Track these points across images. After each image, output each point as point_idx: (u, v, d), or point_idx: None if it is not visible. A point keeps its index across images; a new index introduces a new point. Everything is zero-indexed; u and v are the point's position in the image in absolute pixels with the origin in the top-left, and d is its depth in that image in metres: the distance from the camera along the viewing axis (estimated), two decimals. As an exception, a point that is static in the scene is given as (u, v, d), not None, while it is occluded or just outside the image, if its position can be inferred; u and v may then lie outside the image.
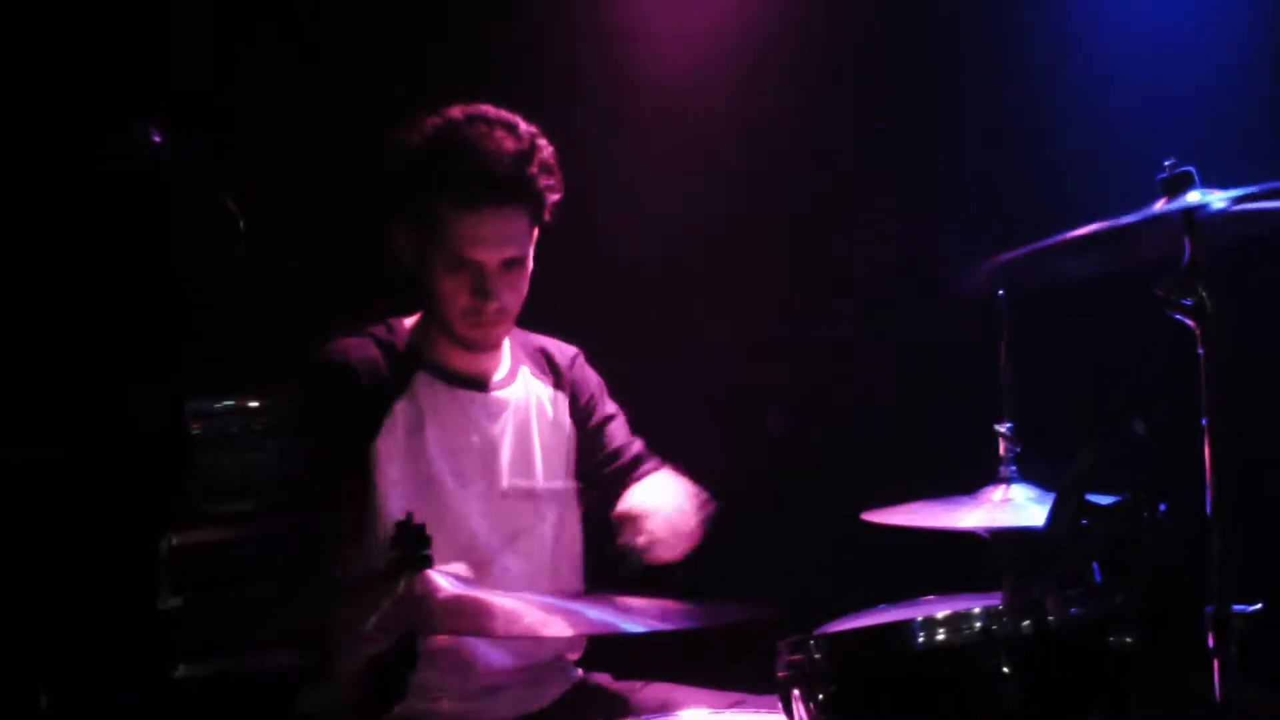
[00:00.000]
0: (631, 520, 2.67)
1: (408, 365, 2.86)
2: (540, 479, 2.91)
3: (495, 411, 2.89)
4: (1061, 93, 3.82)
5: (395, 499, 2.76)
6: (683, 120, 3.87)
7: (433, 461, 2.81)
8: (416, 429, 2.82)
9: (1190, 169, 2.53)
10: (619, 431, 2.99)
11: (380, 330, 2.92)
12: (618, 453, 2.97)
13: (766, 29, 3.89)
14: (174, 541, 3.13)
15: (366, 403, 2.80)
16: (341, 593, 2.41)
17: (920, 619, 2.28)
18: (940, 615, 2.28)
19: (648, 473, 2.96)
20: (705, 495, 2.84)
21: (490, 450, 2.87)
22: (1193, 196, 2.51)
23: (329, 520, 2.64)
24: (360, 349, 2.87)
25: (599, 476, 2.95)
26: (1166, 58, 3.75)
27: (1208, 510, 2.40)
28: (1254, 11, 3.74)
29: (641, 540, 2.64)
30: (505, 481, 2.87)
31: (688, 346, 3.81)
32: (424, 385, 2.86)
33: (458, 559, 2.41)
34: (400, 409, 2.82)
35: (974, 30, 3.85)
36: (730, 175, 3.87)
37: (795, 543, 3.76)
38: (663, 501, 2.74)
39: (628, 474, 2.95)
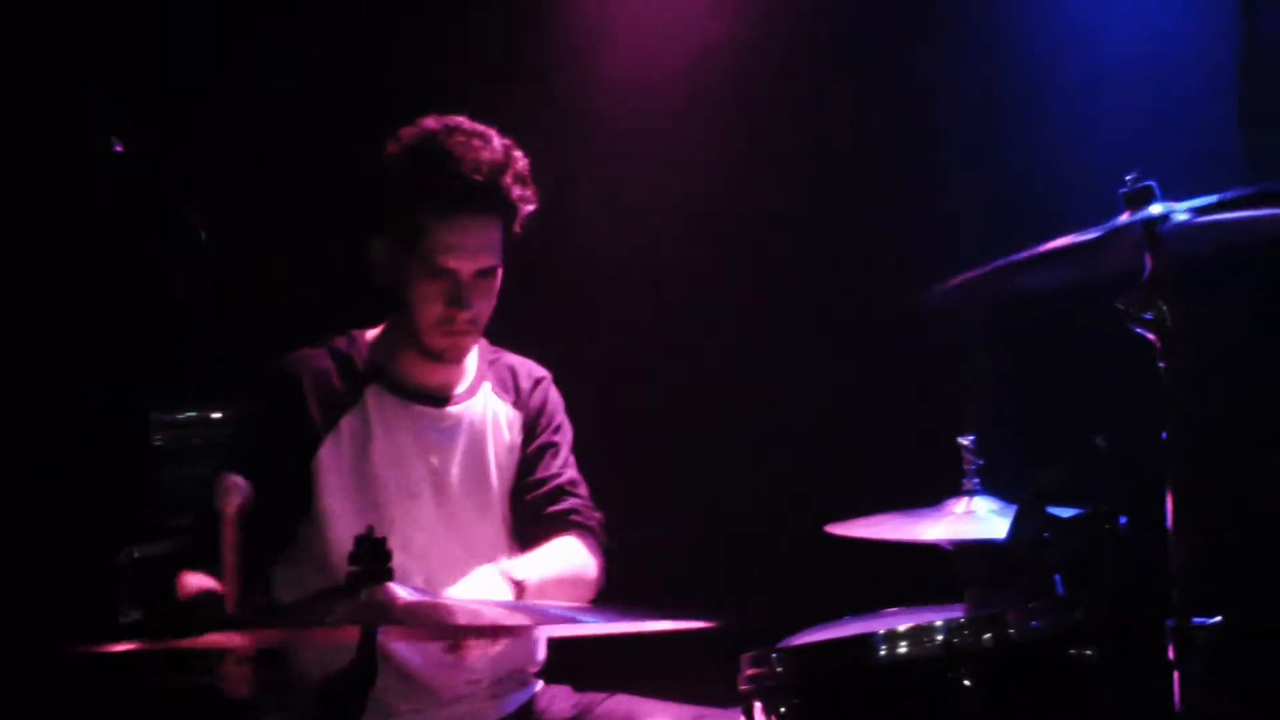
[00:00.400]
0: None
1: (362, 378, 2.85)
2: (493, 495, 2.90)
3: (449, 427, 2.88)
4: (1025, 107, 3.84)
5: (338, 513, 2.76)
6: (652, 128, 3.88)
7: (378, 476, 2.81)
8: (363, 443, 2.81)
9: (1152, 182, 2.54)
10: (552, 461, 2.95)
11: (340, 342, 2.91)
12: (541, 482, 2.93)
13: (738, 36, 3.90)
14: (135, 554, 3.11)
15: (310, 415, 2.79)
16: (300, 608, 2.39)
17: (882, 632, 2.29)
18: (902, 628, 2.29)
19: (568, 518, 2.90)
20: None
21: (441, 466, 2.86)
22: (1154, 209, 2.51)
23: (263, 532, 2.63)
24: (312, 361, 2.86)
25: (519, 501, 2.93)
26: (1126, 71, 3.77)
27: (1168, 523, 2.40)
28: (1213, 25, 3.76)
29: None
30: (456, 497, 2.86)
31: (653, 355, 3.81)
32: (375, 399, 2.85)
33: (407, 574, 2.38)
34: (347, 423, 2.81)
35: (939, 44, 3.87)
36: (698, 184, 3.87)
37: (760, 554, 3.75)
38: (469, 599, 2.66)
39: (542, 507, 2.91)
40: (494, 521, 2.91)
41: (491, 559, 2.79)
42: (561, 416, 3.03)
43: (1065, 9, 3.84)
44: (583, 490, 2.97)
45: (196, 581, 2.60)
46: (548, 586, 2.74)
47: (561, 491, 2.93)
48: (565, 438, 3.01)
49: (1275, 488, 3.49)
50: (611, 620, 2.31)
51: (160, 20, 3.66)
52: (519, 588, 2.69)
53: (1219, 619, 2.36)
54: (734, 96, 3.87)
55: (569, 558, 2.85)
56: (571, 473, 2.97)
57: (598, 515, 2.96)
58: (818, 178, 3.86)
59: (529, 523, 2.90)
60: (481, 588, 2.67)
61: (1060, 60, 3.81)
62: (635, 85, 3.89)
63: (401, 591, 2.17)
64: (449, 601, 2.36)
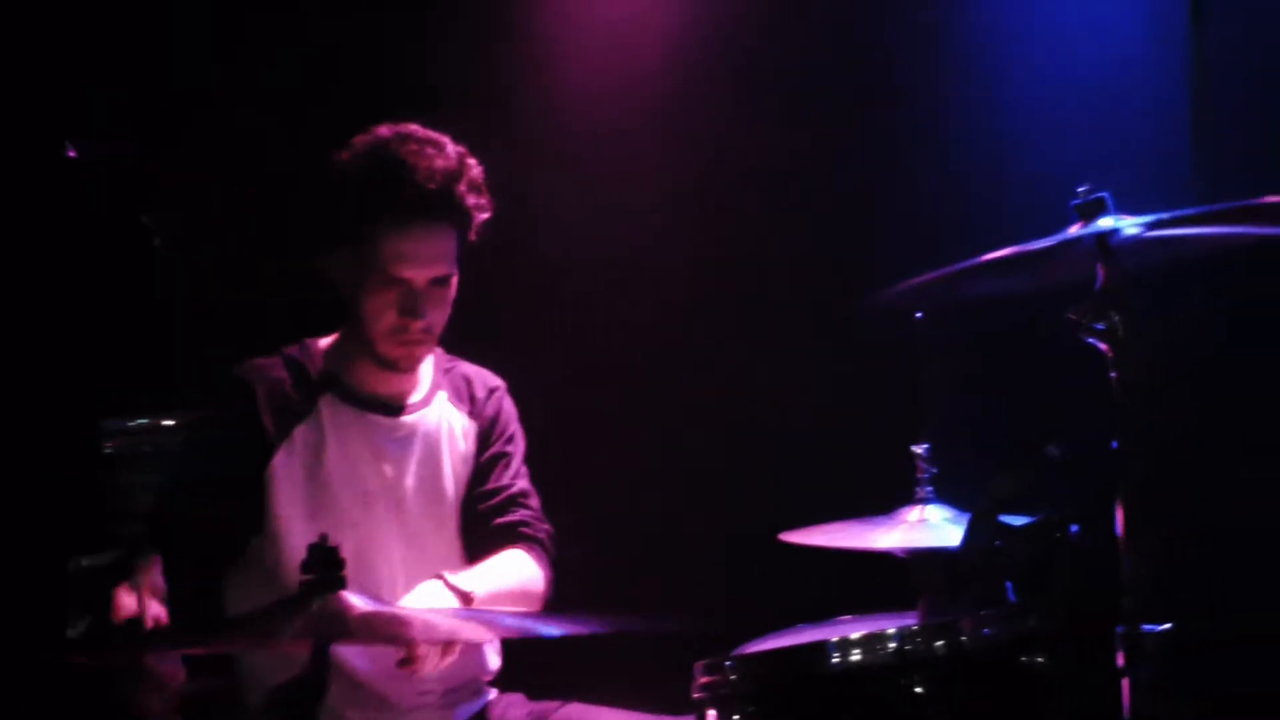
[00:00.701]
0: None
1: (316, 388, 2.84)
2: (448, 505, 2.89)
3: (403, 437, 2.87)
4: (981, 115, 3.86)
5: (291, 523, 2.75)
6: (612, 133, 3.88)
7: (332, 486, 2.79)
8: (317, 453, 2.80)
9: (1104, 194, 2.57)
10: (504, 472, 2.94)
11: (294, 350, 2.89)
12: (493, 493, 2.92)
13: (698, 41, 3.91)
14: (84, 563, 3.08)
15: (264, 425, 2.78)
16: (253, 618, 2.38)
17: (835, 639, 2.29)
18: (855, 636, 2.29)
19: (518, 531, 2.89)
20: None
21: (395, 476, 2.85)
22: (1106, 222, 2.54)
23: (214, 541, 2.61)
24: (266, 370, 2.84)
25: (472, 510, 2.92)
26: (1081, 83, 3.80)
27: (1119, 532, 2.42)
28: (1164, 37, 3.80)
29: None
30: (410, 507, 2.85)
31: (607, 363, 3.81)
32: (329, 408, 2.83)
33: (362, 584, 2.37)
34: (300, 433, 2.80)
35: (900, 52, 3.88)
36: (657, 190, 3.87)
37: (714, 562, 3.76)
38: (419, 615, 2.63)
39: (492, 518, 2.90)
40: (448, 532, 2.90)
41: (445, 569, 2.77)
42: (515, 427, 3.02)
43: (1021, 19, 3.86)
44: (534, 502, 2.97)
45: (128, 601, 2.56)
46: (495, 599, 2.73)
47: (512, 502, 2.93)
48: (518, 448, 3.00)
49: (1225, 496, 3.53)
50: (568, 628, 2.31)
51: (120, 25, 3.64)
52: (466, 599, 2.68)
53: (1168, 626, 2.38)
54: (694, 101, 3.88)
55: (517, 570, 2.85)
56: (523, 484, 2.97)
57: (547, 528, 2.95)
58: (776, 183, 3.87)
59: (478, 533, 2.89)
60: (428, 600, 2.66)
61: (1017, 69, 3.84)
62: (596, 89, 3.90)
63: (355, 600, 2.16)
64: (403, 612, 2.35)
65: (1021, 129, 3.81)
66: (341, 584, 2.16)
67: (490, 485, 2.93)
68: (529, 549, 2.89)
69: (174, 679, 2.50)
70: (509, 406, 3.03)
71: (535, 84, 3.86)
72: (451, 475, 2.91)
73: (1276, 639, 3.47)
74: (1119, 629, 2.36)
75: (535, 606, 2.84)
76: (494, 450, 2.96)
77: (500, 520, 2.90)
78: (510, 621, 2.44)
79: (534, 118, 3.83)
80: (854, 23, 3.88)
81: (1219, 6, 3.73)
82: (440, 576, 2.70)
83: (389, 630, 2.21)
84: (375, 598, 2.23)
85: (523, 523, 2.91)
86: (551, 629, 2.27)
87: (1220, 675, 3.32)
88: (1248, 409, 3.57)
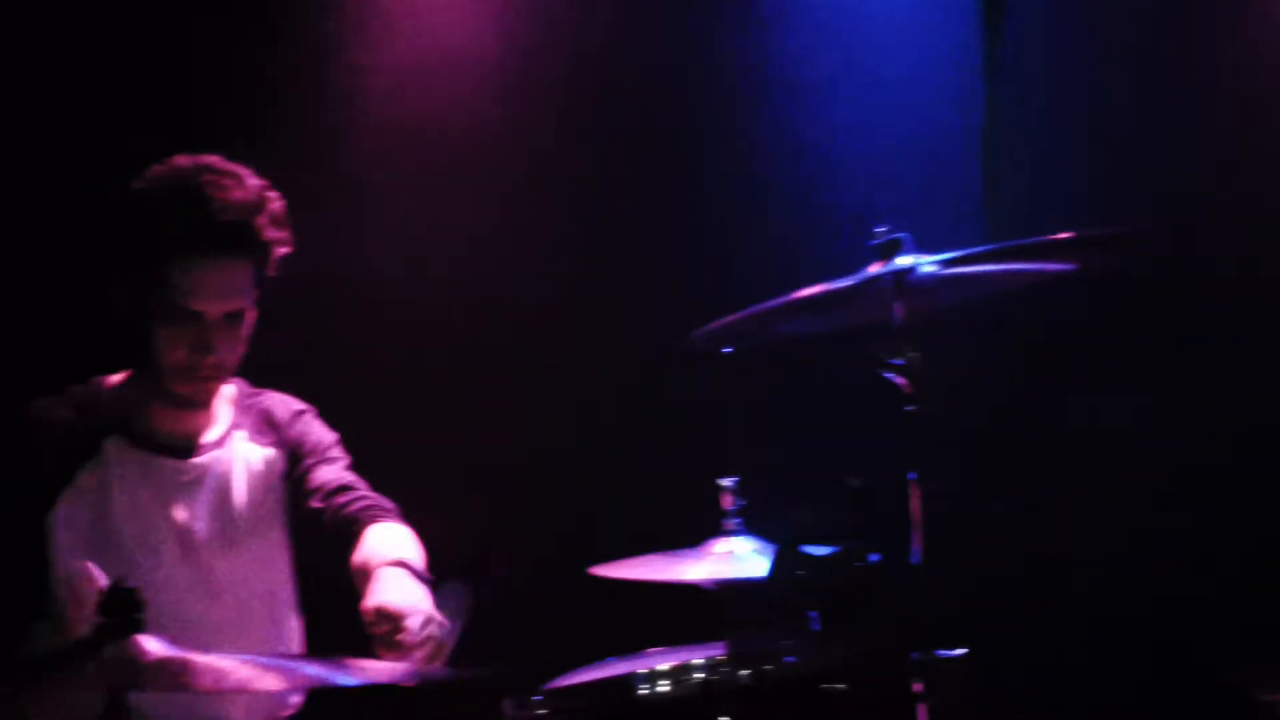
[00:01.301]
0: (389, 618, 2.51)
1: (102, 429, 2.75)
2: (250, 546, 2.81)
3: (193, 480, 2.78)
4: (786, 157, 3.95)
5: (77, 570, 2.65)
6: (409, 182, 3.86)
7: (119, 532, 2.71)
8: (102, 496, 2.72)
9: (901, 235, 2.66)
10: (328, 470, 2.85)
11: (80, 391, 2.80)
12: (320, 488, 2.82)
13: (498, 78, 3.91)
14: None
15: (45, 470, 2.70)
16: (44, 662, 2.30)
17: (642, 671, 2.32)
18: (662, 667, 2.32)
19: (367, 509, 2.81)
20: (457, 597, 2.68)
21: (187, 520, 2.77)
22: (903, 261, 2.63)
23: (10, 588, 2.53)
24: (49, 411, 2.75)
25: (310, 514, 2.82)
26: (883, 127, 3.92)
27: (915, 559, 2.50)
28: (962, 86, 3.96)
29: (402, 639, 2.54)
30: (204, 551, 2.78)
31: (413, 396, 3.78)
32: (115, 451, 2.75)
33: (156, 625, 2.31)
34: (85, 477, 2.72)
35: (700, 86, 3.95)
36: (460, 220, 3.85)
37: (524, 596, 3.76)
38: (417, 603, 2.55)
39: (337, 508, 2.80)
40: (256, 572, 2.82)
41: (256, 611, 2.74)
42: (330, 443, 2.92)
43: (825, 65, 3.96)
44: (367, 488, 2.86)
45: None
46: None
47: (348, 489, 2.83)
48: (339, 456, 2.91)
49: (1017, 525, 3.66)
50: (373, 677, 2.26)
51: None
52: (421, 577, 2.61)
53: (964, 652, 2.47)
54: (496, 145, 3.88)
55: (408, 537, 2.76)
56: (350, 476, 2.87)
57: (393, 505, 2.85)
58: (581, 219, 3.89)
59: (327, 528, 2.79)
60: (402, 592, 2.55)
61: (824, 114, 3.94)
62: (399, 117, 3.87)
63: (151, 645, 2.10)
64: (197, 660, 2.27)
65: (825, 171, 3.92)
66: (137, 627, 2.10)
67: (313, 485, 2.83)
68: (389, 519, 2.80)
69: None
70: (319, 426, 2.93)
71: (340, 118, 3.83)
72: (244, 509, 2.82)
73: (1069, 664, 3.61)
74: (915, 655, 2.44)
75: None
76: (311, 460, 2.86)
77: (348, 506, 2.80)
78: (310, 671, 2.38)
79: (327, 147, 3.79)
80: (662, 64, 3.94)
81: (1008, 59, 3.91)
82: (400, 563, 2.61)
83: (180, 678, 2.15)
84: (172, 643, 2.18)
85: (370, 504, 2.81)
86: (351, 679, 2.22)
87: (1014, 699, 3.43)
88: (1037, 441, 3.72)
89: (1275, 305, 3.66)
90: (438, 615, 2.50)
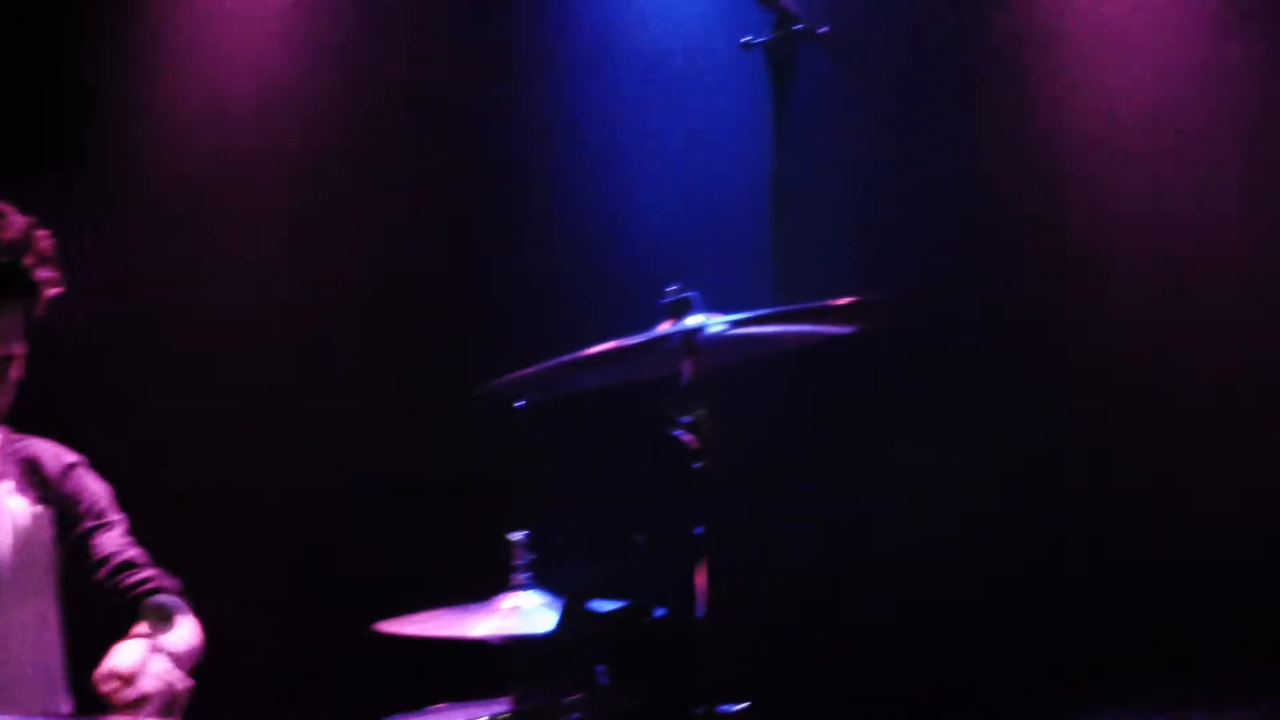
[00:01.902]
0: (119, 678, 2.47)
1: None
2: (22, 604, 2.71)
3: None
4: (587, 214, 3.99)
5: None
6: (194, 206, 3.80)
7: None
8: None
9: (691, 294, 2.71)
10: (109, 540, 2.78)
11: None
12: (104, 560, 2.76)
13: (314, 122, 3.89)
14: None
15: None
16: None
17: (427, 728, 2.30)
18: (447, 724, 2.31)
19: (144, 583, 2.77)
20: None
21: None
22: (694, 319, 2.68)
23: None
24: None
25: (93, 584, 2.76)
26: (683, 187, 3.99)
27: (700, 613, 2.53)
28: (758, 145, 4.04)
29: (128, 695, 2.47)
30: None
31: (203, 441, 3.71)
32: None
33: None
34: None
35: (511, 148, 3.97)
36: (241, 265, 3.80)
37: (310, 653, 3.70)
38: (145, 661, 2.51)
39: (118, 584, 2.74)
40: (24, 638, 2.71)
41: (25, 680, 2.66)
42: (105, 502, 2.82)
43: (627, 123, 4.02)
44: (149, 562, 2.80)
45: None
46: (189, 657, 2.61)
47: (131, 565, 2.76)
48: (116, 518, 2.82)
49: (803, 579, 3.73)
50: None
51: None
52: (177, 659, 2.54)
53: (745, 705, 2.50)
54: (286, 176, 3.85)
55: (180, 610, 2.70)
56: (134, 550, 2.79)
57: (175, 581, 2.79)
58: (374, 264, 3.87)
59: (111, 599, 2.71)
60: (131, 653, 2.48)
61: (629, 173, 4.00)
62: (190, 153, 3.81)
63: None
64: None
65: (625, 229, 3.97)
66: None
67: (97, 557, 2.75)
68: (167, 595, 2.72)
69: None
70: (91, 482, 2.83)
71: (123, 154, 3.75)
72: (15, 574, 2.71)
73: (854, 716, 3.68)
74: (698, 709, 2.46)
75: (199, 657, 2.68)
76: (87, 525, 2.77)
77: (130, 585, 2.73)
78: None
79: (122, 193, 3.71)
80: (463, 114, 3.95)
81: (792, 122, 4.01)
82: (148, 639, 2.54)
83: None
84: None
85: (156, 587, 2.74)
86: None
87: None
88: (822, 496, 3.80)
89: (1058, 353, 3.80)
90: (165, 669, 2.42)
